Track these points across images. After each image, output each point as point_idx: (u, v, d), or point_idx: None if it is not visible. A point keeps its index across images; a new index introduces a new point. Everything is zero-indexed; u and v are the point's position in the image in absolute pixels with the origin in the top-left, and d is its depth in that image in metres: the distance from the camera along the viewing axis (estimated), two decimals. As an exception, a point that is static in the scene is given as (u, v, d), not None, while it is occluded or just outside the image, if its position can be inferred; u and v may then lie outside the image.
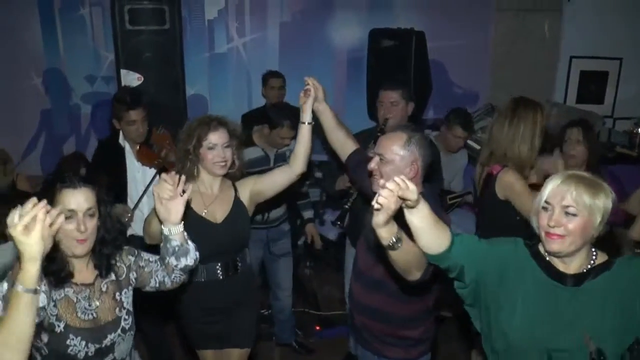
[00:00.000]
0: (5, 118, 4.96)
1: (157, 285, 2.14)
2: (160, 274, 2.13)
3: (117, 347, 2.00)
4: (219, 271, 2.66)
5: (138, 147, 3.33)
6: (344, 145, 2.69)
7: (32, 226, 1.48)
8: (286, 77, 4.74)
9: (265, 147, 3.58)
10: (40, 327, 1.80)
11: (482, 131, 4.38)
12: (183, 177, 2.09)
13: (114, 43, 4.25)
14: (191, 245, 2.14)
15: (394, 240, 1.78)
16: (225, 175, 2.66)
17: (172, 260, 2.10)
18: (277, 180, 2.67)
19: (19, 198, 3.27)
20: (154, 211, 2.18)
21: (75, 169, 4.16)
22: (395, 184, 1.61)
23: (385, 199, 1.62)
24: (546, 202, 1.72)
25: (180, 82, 4.42)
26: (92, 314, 1.94)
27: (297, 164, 2.61)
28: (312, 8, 5.32)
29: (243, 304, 2.76)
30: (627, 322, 1.71)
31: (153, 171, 3.32)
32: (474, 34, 5.50)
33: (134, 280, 2.09)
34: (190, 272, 2.25)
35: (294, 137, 2.87)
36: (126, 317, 2.03)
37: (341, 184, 3.34)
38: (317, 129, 2.67)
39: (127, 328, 2.03)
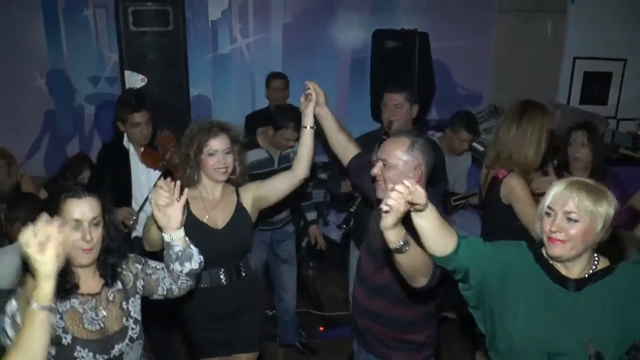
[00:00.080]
0: (9, 119, 4.95)
1: (165, 292, 2.13)
2: (168, 282, 2.12)
3: (126, 357, 1.98)
4: (222, 277, 2.66)
5: (142, 149, 3.33)
6: (346, 150, 2.67)
7: (46, 244, 1.48)
8: (289, 78, 4.75)
9: (269, 149, 3.59)
10: None
11: (486, 132, 4.37)
12: (178, 184, 2.09)
13: (118, 44, 4.27)
14: (194, 249, 2.13)
15: (402, 243, 1.79)
16: (228, 181, 2.65)
17: (177, 266, 2.09)
18: (279, 185, 2.66)
19: (23, 199, 3.31)
20: (151, 218, 2.18)
21: (79, 170, 4.18)
22: (404, 186, 1.62)
23: (394, 200, 1.63)
24: (549, 207, 1.75)
25: (184, 82, 4.44)
26: (99, 324, 1.92)
27: (300, 169, 2.61)
28: (315, 9, 5.31)
29: (248, 308, 2.75)
30: (626, 327, 1.74)
31: (158, 173, 3.33)
32: (477, 34, 5.49)
33: (141, 288, 2.07)
34: (197, 277, 2.24)
35: (299, 139, 2.87)
36: (134, 326, 2.02)
37: (344, 188, 3.34)
38: (319, 132, 2.67)
39: (135, 337, 2.02)
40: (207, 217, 2.59)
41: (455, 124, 3.98)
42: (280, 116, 3.47)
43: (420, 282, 2.02)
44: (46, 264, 1.49)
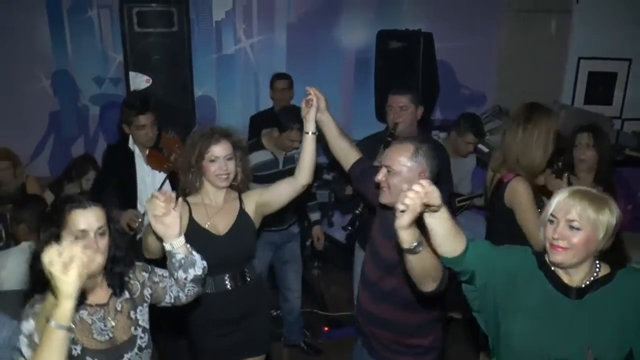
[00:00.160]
0: (14, 120, 4.96)
1: (172, 300, 2.13)
2: (175, 289, 2.11)
3: None
4: (227, 282, 2.64)
5: (148, 152, 3.34)
6: (347, 155, 2.65)
7: (70, 264, 1.49)
8: (294, 79, 4.75)
9: (274, 150, 3.59)
10: None
11: (490, 133, 4.36)
12: (173, 194, 2.08)
13: (123, 45, 4.28)
14: (196, 255, 2.12)
15: (416, 244, 1.79)
16: (231, 187, 2.65)
17: (181, 274, 2.08)
18: (282, 192, 2.65)
19: (29, 201, 3.33)
20: (149, 227, 2.16)
21: (84, 170, 4.20)
22: (421, 186, 1.64)
23: (411, 200, 1.64)
24: (552, 215, 1.78)
25: (188, 83, 4.45)
26: (108, 334, 1.92)
27: (303, 175, 2.59)
28: (319, 9, 5.30)
29: (253, 313, 2.74)
30: (626, 334, 1.76)
31: (163, 175, 3.34)
32: (481, 35, 5.48)
33: (148, 296, 2.07)
34: (202, 283, 2.23)
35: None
36: (142, 335, 2.02)
37: (349, 190, 3.35)
38: (320, 137, 2.64)
39: (143, 346, 2.01)
40: (209, 223, 2.58)
41: (462, 126, 3.97)
42: (285, 118, 3.46)
43: (430, 286, 2.02)
44: (69, 284, 1.49)
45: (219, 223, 2.60)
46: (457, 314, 4.04)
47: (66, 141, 5.21)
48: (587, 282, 1.80)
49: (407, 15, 5.30)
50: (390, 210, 2.34)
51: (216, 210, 2.61)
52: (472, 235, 1.90)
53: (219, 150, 2.53)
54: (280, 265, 3.90)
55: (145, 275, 2.08)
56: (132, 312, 2.00)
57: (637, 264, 3.16)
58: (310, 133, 2.53)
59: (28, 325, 1.75)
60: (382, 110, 3.53)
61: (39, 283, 1.78)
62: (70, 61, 5.06)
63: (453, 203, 3.85)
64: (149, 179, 3.38)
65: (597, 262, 1.83)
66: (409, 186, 1.66)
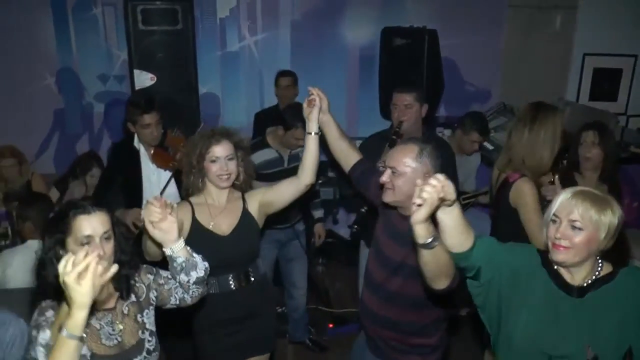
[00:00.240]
0: (19, 118, 4.98)
1: (178, 302, 2.13)
2: (180, 291, 2.11)
3: None
4: (231, 282, 2.64)
5: (153, 150, 3.34)
6: (348, 156, 2.65)
7: (84, 274, 1.49)
8: (298, 76, 4.76)
9: (279, 149, 3.59)
10: None
11: (495, 131, 4.36)
12: (170, 200, 2.07)
13: (127, 43, 4.29)
14: (197, 257, 2.11)
15: (431, 239, 1.81)
16: (234, 187, 2.64)
17: (183, 277, 2.07)
18: (285, 191, 2.64)
19: (36, 199, 3.34)
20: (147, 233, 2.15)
21: (88, 167, 4.21)
22: (438, 180, 1.67)
23: (428, 194, 1.66)
24: (555, 215, 1.80)
25: (193, 81, 4.46)
26: (116, 339, 1.92)
27: (305, 175, 2.58)
28: (323, 6, 5.30)
29: (258, 313, 2.73)
30: (626, 332, 1.78)
31: (168, 174, 3.34)
32: (486, 31, 5.47)
33: (154, 299, 2.07)
34: (206, 283, 2.22)
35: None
36: (150, 338, 2.02)
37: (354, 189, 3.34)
38: (321, 137, 2.63)
39: (151, 349, 2.02)
40: (212, 223, 2.57)
41: (467, 125, 3.97)
42: (290, 116, 3.46)
43: (442, 283, 2.02)
44: (83, 295, 1.51)
45: (223, 223, 2.60)
46: (463, 310, 4.05)
47: (71, 138, 5.23)
48: (589, 281, 1.83)
49: (411, 12, 5.29)
50: (394, 210, 2.35)
51: (219, 210, 2.61)
52: (477, 232, 1.91)
53: (220, 150, 2.53)
54: (285, 263, 3.91)
55: (151, 277, 2.08)
56: (138, 316, 2.00)
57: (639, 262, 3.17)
58: (313, 133, 2.53)
59: (44, 335, 1.75)
60: (387, 108, 3.52)
61: (47, 289, 1.79)
62: (74, 59, 5.07)
63: (458, 200, 3.84)
64: (155, 178, 3.38)
65: (600, 261, 1.85)
66: (421, 182, 1.68)
